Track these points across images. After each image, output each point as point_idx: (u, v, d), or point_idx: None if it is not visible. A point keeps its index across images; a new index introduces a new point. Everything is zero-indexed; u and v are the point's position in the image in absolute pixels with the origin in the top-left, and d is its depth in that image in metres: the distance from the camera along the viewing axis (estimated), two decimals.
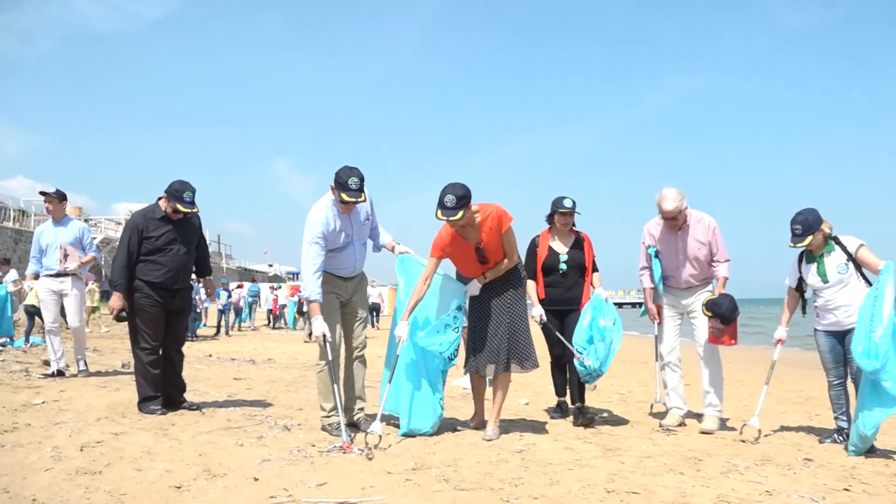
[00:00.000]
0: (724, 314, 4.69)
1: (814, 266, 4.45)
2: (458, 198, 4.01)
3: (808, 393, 7.92)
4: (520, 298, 4.42)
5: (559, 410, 5.25)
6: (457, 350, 4.36)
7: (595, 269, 5.12)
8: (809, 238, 4.29)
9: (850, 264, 4.31)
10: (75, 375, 6.84)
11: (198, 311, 15.97)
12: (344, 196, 4.08)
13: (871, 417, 3.95)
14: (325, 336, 4.09)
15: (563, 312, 5.01)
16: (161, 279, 4.88)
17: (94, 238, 29.39)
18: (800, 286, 4.60)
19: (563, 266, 4.97)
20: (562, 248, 5.03)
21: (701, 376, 4.97)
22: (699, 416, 5.03)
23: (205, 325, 17.97)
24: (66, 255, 6.65)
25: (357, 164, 4.14)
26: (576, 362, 4.70)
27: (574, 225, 5.09)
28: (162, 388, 4.97)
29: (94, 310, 15.95)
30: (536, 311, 4.89)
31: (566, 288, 5.00)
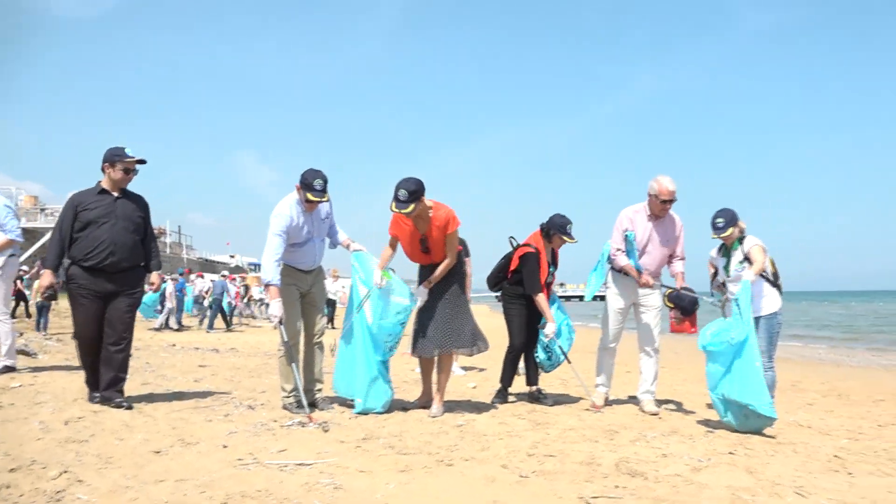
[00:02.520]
0: (685, 307, 5.17)
1: (724, 260, 5.12)
2: (409, 192, 4.49)
3: None
4: (461, 289, 4.93)
5: (501, 396, 5.63)
6: (397, 343, 4.89)
7: None
8: (731, 230, 4.90)
9: (747, 262, 4.91)
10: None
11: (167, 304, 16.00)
12: (309, 196, 4.57)
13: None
14: (280, 318, 4.55)
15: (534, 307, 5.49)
16: (94, 257, 4.61)
17: (47, 226, 28.14)
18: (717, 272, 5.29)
19: (550, 278, 5.55)
20: (549, 260, 5.54)
21: (641, 367, 5.44)
22: (635, 400, 5.53)
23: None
24: None
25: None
26: (542, 354, 5.47)
27: None
28: (97, 377, 4.80)
29: None
30: (550, 328, 5.33)
31: (548, 294, 5.56)
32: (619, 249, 5.30)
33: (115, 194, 4.78)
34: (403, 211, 4.51)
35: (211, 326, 16.02)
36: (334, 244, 5.11)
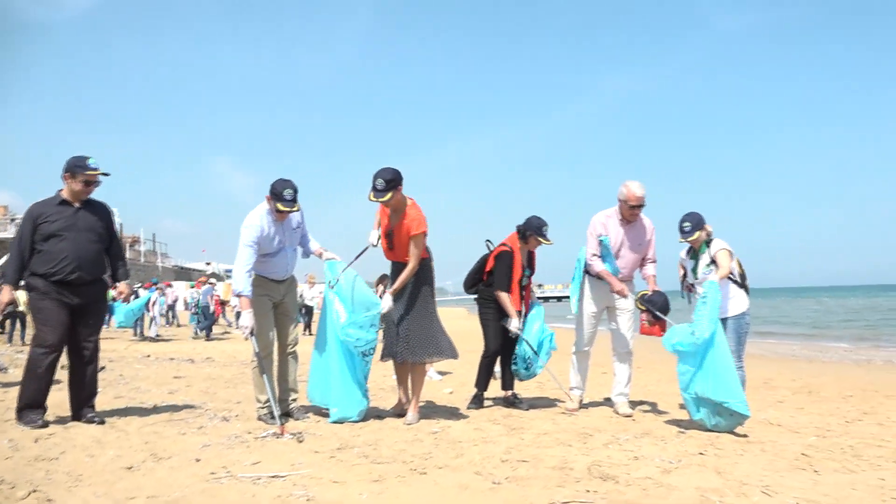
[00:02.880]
0: (657, 310, 5.14)
1: (692, 262, 5.22)
2: (386, 181, 4.58)
3: None
4: (431, 296, 4.94)
5: (476, 401, 5.64)
6: (373, 349, 4.84)
7: None
8: (698, 233, 5.00)
9: (714, 265, 5.01)
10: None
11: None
12: (279, 206, 4.58)
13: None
14: (251, 329, 4.53)
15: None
16: (59, 272, 4.43)
17: None
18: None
19: (525, 280, 5.62)
20: (524, 262, 5.60)
21: (615, 369, 5.51)
22: (610, 402, 5.58)
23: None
24: None
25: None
26: (521, 365, 5.48)
27: None
28: (47, 396, 4.57)
29: None
30: (514, 325, 5.41)
31: (522, 298, 5.61)
32: (594, 255, 5.35)
33: (76, 205, 4.59)
34: (381, 200, 4.61)
35: (209, 332, 16.02)
36: (307, 253, 5.10)
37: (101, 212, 4.75)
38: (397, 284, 4.80)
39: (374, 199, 4.63)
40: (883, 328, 22.76)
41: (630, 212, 5.26)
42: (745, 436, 4.48)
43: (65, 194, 4.59)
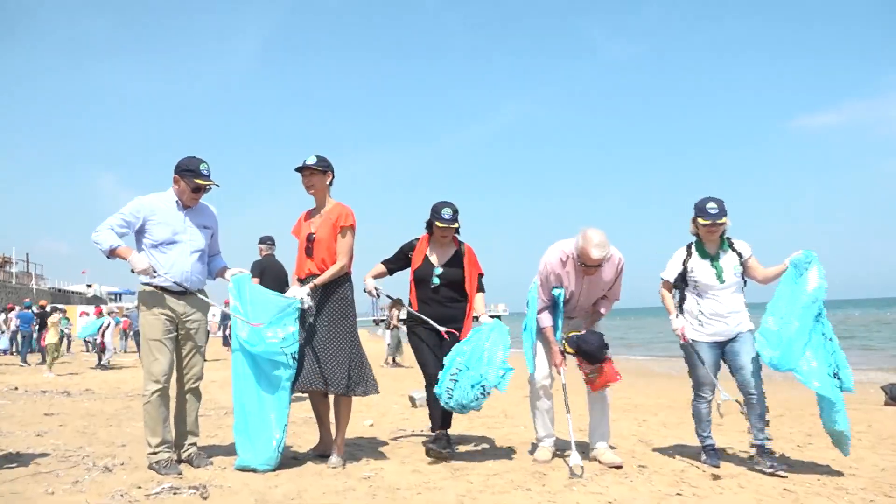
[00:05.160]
0: (593, 353, 4.14)
1: (708, 262, 4.19)
2: (319, 158, 4.21)
3: (635, 400, 8.45)
4: (353, 316, 4.23)
5: (441, 443, 4.39)
6: (297, 350, 3.99)
7: (480, 289, 4.65)
8: (725, 219, 4.10)
9: (741, 269, 4.20)
10: None
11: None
12: (198, 181, 3.95)
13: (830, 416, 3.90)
14: (149, 266, 3.82)
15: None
16: None
17: None
18: (676, 282, 4.31)
19: (436, 281, 4.50)
20: (437, 261, 4.56)
21: (589, 408, 4.45)
22: (586, 447, 4.43)
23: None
24: None
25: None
26: (441, 392, 4.16)
27: (458, 233, 4.63)
28: None
29: (57, 347, 13.29)
30: (370, 284, 4.60)
31: (440, 304, 4.51)
32: (545, 308, 4.34)
33: None
34: (310, 164, 4.19)
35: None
36: (212, 272, 4.24)
37: None
38: (323, 277, 4.09)
39: (303, 164, 4.19)
40: None
41: (585, 269, 4.18)
42: (707, 471, 4.06)
43: None
